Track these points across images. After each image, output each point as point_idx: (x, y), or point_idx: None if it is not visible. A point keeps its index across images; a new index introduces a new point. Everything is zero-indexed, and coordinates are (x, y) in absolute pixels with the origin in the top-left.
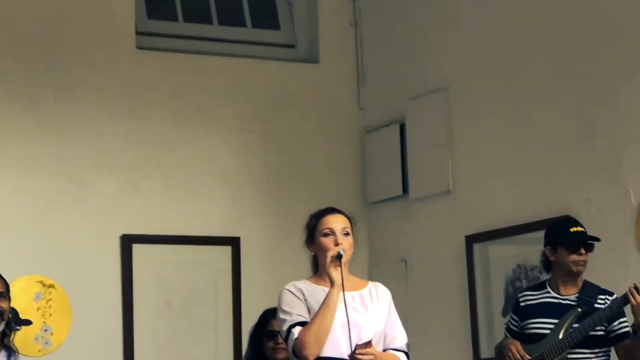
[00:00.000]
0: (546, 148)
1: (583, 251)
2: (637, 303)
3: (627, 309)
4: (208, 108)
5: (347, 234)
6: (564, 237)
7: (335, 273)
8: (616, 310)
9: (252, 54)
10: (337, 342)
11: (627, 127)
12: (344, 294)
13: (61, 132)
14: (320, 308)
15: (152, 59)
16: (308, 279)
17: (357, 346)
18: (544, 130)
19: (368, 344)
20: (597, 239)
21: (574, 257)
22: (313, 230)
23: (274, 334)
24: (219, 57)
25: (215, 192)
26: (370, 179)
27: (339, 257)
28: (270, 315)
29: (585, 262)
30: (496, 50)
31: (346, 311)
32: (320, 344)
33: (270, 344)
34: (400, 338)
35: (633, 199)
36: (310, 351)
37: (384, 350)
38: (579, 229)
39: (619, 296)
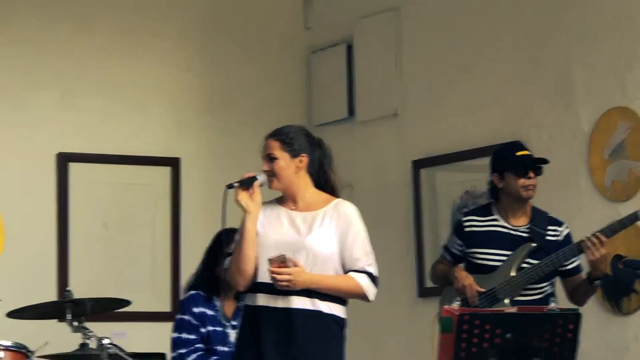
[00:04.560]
0: (496, 72)
1: (532, 175)
2: (596, 258)
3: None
4: (150, 25)
5: (272, 159)
6: (511, 161)
7: (242, 202)
8: (576, 254)
9: None
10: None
11: (579, 51)
12: (245, 216)
13: None
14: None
15: None
16: (277, 199)
17: (270, 261)
18: (494, 54)
19: (281, 258)
20: (546, 161)
21: (522, 181)
22: None
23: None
24: None
25: (155, 111)
26: (315, 100)
27: (242, 183)
28: (229, 235)
29: (534, 186)
30: None
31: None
32: (243, 273)
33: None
34: (362, 259)
35: (585, 124)
36: (236, 281)
37: (346, 273)
38: (526, 152)
39: (565, 222)
